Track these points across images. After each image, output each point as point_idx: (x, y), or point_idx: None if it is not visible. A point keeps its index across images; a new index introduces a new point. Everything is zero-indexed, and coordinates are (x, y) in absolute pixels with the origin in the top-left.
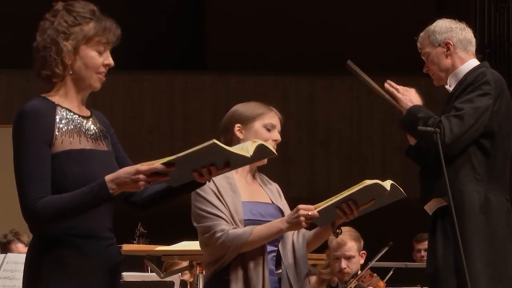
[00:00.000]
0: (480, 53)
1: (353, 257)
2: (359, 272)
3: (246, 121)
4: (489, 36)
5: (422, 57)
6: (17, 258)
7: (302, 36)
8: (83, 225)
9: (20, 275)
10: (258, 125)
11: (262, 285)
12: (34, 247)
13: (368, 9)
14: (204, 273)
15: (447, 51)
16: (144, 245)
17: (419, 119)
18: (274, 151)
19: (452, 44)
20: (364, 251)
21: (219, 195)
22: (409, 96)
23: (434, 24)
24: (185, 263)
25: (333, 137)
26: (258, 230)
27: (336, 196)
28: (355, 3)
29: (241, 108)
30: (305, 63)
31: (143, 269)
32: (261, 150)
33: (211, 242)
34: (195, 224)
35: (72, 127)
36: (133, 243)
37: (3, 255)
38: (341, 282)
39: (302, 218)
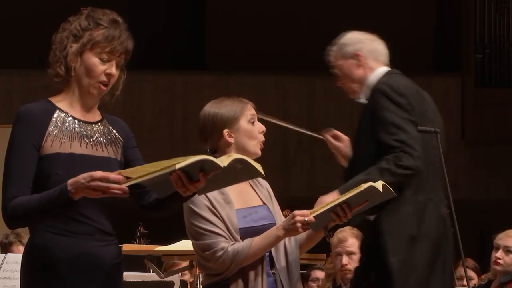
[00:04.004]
0: (480, 53)
1: (354, 253)
2: None
3: (231, 123)
4: (489, 36)
5: (335, 71)
6: (17, 258)
7: (302, 36)
8: (75, 226)
9: (20, 275)
10: (243, 122)
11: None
12: (26, 248)
13: (368, 9)
14: (204, 274)
15: (358, 62)
16: (144, 245)
17: (367, 178)
18: (262, 171)
19: (362, 55)
20: None
21: (213, 209)
22: (325, 197)
23: (344, 37)
24: (185, 263)
25: None
26: (257, 242)
27: (332, 201)
28: (355, 3)
29: (219, 110)
30: (305, 63)
31: (143, 269)
32: (246, 167)
33: (212, 260)
34: (192, 241)
35: (66, 131)
36: (133, 243)
37: (3, 255)
38: (343, 281)
39: (298, 224)
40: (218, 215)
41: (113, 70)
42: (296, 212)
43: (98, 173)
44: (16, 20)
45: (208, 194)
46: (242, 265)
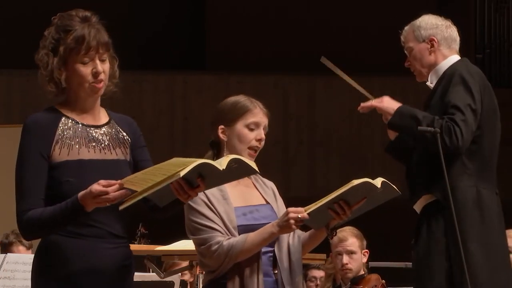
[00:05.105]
0: (480, 53)
1: (355, 252)
2: (363, 272)
3: (228, 122)
4: (489, 36)
5: (405, 51)
6: (17, 258)
7: (302, 36)
8: (86, 228)
9: (20, 275)
10: (240, 126)
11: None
12: (37, 250)
13: (368, 9)
14: (204, 273)
15: (430, 47)
16: (144, 245)
17: (420, 120)
18: (255, 168)
19: (436, 40)
20: (366, 250)
21: (210, 205)
22: (385, 102)
23: (420, 19)
24: (185, 263)
25: (333, 137)
26: (251, 237)
27: (326, 197)
28: (355, 3)
29: (225, 106)
30: (305, 63)
31: (143, 269)
32: (240, 166)
33: (207, 254)
34: (190, 237)
35: (73, 137)
36: (134, 243)
37: (3, 255)
38: (343, 281)
39: (292, 221)
40: (215, 210)
41: (98, 67)
42: (290, 209)
43: (103, 181)
44: (16, 20)
45: (207, 191)
46: (236, 260)
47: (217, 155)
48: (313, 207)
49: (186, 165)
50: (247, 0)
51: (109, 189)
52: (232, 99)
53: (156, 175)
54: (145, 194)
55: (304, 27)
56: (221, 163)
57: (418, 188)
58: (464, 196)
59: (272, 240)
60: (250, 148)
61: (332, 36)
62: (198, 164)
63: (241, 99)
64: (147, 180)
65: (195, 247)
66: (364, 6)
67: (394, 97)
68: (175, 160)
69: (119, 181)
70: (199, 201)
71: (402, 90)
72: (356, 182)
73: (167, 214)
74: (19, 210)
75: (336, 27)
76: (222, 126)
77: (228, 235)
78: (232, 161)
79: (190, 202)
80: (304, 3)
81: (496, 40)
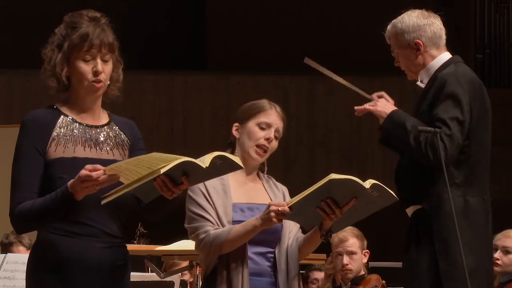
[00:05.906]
0: (480, 53)
1: (355, 253)
2: (363, 273)
3: (242, 119)
4: (489, 36)
5: (392, 52)
6: (17, 258)
7: (302, 36)
8: (80, 227)
9: (20, 275)
10: (252, 124)
11: (242, 285)
12: (32, 249)
13: (368, 9)
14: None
15: (417, 51)
16: (144, 245)
17: (408, 130)
18: (240, 163)
19: (421, 43)
20: (367, 250)
21: (207, 196)
22: (379, 106)
23: (401, 20)
24: (185, 263)
25: (333, 137)
26: (236, 229)
27: (306, 191)
28: (356, 2)
29: (244, 106)
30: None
31: (143, 269)
32: (225, 162)
33: (196, 243)
34: (185, 225)
35: (70, 135)
36: (133, 243)
37: (3, 255)
38: (344, 281)
39: (272, 214)
40: (211, 202)
41: (99, 67)
42: (271, 202)
43: (88, 166)
44: (16, 20)
45: (207, 182)
46: (221, 251)
47: (232, 153)
48: (294, 200)
49: (170, 162)
50: (247, 0)
51: (94, 173)
52: (255, 101)
53: (140, 166)
54: (126, 190)
55: (304, 27)
56: (204, 161)
57: (408, 197)
58: (451, 206)
59: (256, 233)
60: (258, 146)
61: (333, 36)
62: (180, 162)
63: (261, 100)
64: (130, 170)
65: (189, 236)
66: (364, 6)
67: (393, 96)
68: (158, 154)
69: (103, 167)
70: (197, 191)
71: (402, 90)
72: (334, 176)
73: (160, 215)
74: (12, 203)
75: (336, 27)
76: (236, 124)
77: (218, 227)
78: (216, 157)
79: (189, 192)
80: (304, 3)
81: (496, 40)
